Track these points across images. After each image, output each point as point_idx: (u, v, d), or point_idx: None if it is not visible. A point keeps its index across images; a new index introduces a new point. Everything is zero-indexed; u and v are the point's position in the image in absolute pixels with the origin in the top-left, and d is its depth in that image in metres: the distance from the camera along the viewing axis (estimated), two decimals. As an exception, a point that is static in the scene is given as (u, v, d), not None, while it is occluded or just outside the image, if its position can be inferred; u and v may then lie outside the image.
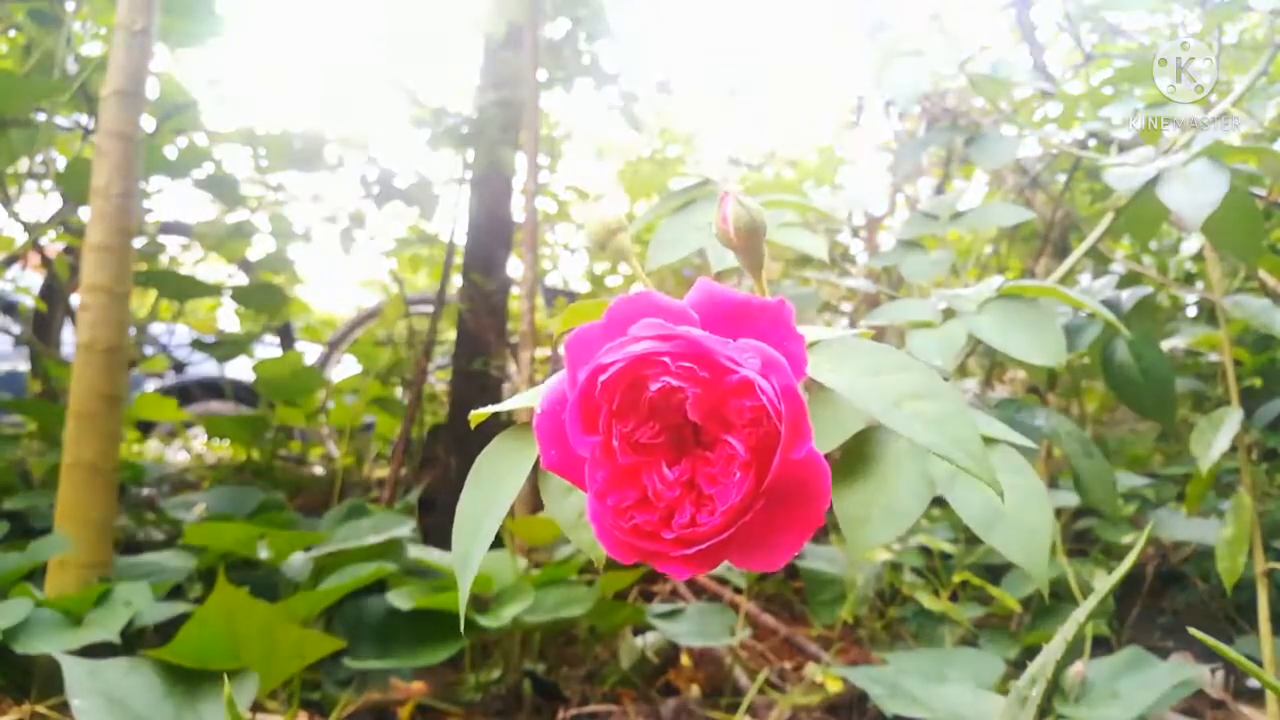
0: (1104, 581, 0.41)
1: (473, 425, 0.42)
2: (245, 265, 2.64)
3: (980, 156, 0.98)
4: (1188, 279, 1.94)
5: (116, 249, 1.44)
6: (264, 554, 1.48)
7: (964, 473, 0.42)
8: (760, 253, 0.44)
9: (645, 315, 0.39)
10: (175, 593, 1.47)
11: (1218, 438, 1.05)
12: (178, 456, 2.77)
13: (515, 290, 2.61)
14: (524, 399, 0.42)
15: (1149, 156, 0.77)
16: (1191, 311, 2.00)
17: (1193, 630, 0.43)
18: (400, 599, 1.35)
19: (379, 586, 1.45)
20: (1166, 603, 1.84)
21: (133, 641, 1.25)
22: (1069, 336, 0.81)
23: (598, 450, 0.38)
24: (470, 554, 0.40)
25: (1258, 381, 1.69)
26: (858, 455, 0.44)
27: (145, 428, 2.83)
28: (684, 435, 0.39)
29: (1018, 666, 1.42)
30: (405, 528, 1.55)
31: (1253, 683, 1.49)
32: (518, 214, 2.60)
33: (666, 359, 0.37)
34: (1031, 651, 1.42)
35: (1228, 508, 1.15)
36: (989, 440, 0.45)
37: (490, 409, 0.42)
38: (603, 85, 2.26)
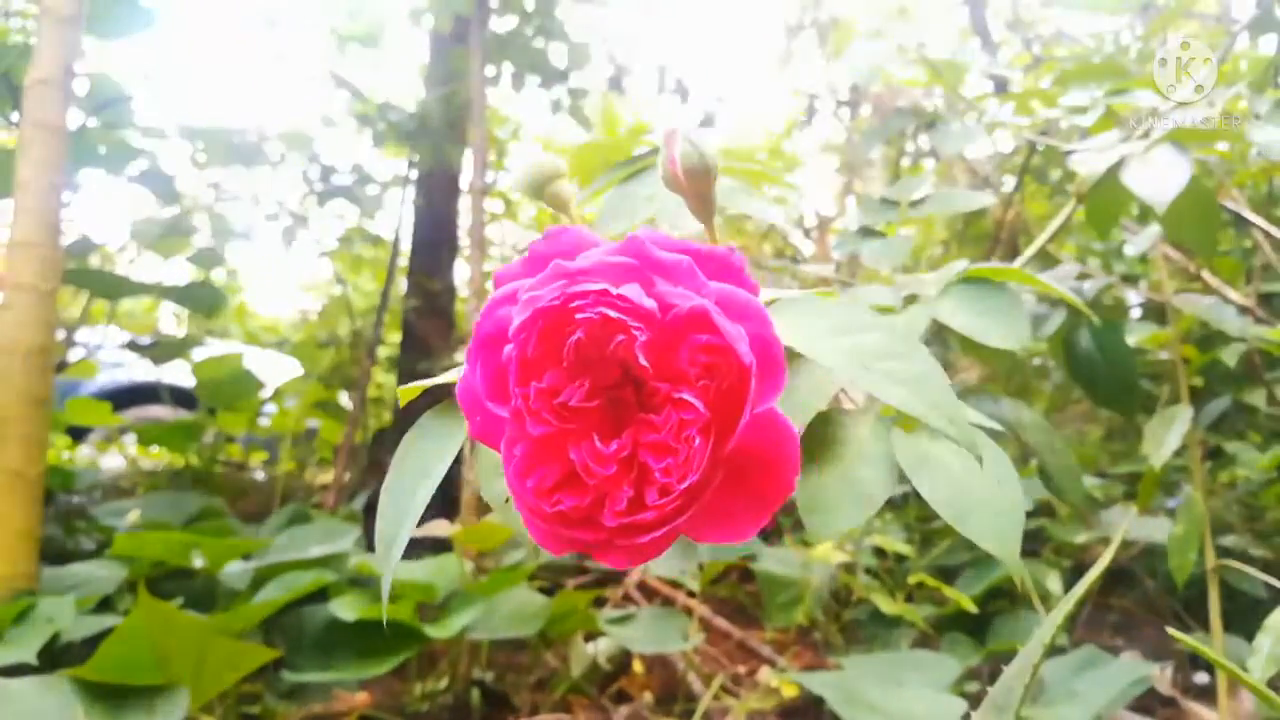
0: (1081, 582, 0.39)
1: (403, 402, 0.38)
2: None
3: (941, 141, 0.96)
4: (1131, 280, 1.96)
5: (43, 245, 1.39)
6: (199, 563, 1.42)
7: (932, 450, 0.40)
8: (711, 197, 0.40)
9: (573, 253, 0.33)
10: (105, 604, 1.41)
11: (1169, 435, 1.05)
12: (113, 463, 2.68)
13: (462, 292, 2.57)
14: (458, 373, 0.38)
15: (1112, 142, 0.76)
16: (1135, 313, 2.03)
17: (1173, 633, 0.41)
18: (343, 609, 1.30)
19: (320, 595, 1.40)
20: (1115, 600, 1.86)
21: (57, 659, 1.19)
22: (1031, 325, 0.80)
23: (511, 418, 0.32)
24: (395, 538, 0.35)
25: (1199, 381, 1.71)
26: (818, 438, 0.41)
27: (78, 434, 2.74)
28: (623, 398, 0.32)
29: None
30: (349, 539, 1.50)
31: (1201, 679, 1.50)
32: (464, 214, 2.56)
33: (602, 287, 0.30)
34: (992, 656, 1.41)
35: (1178, 505, 1.15)
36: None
37: (422, 383, 0.38)
38: (552, 82, 2.23)
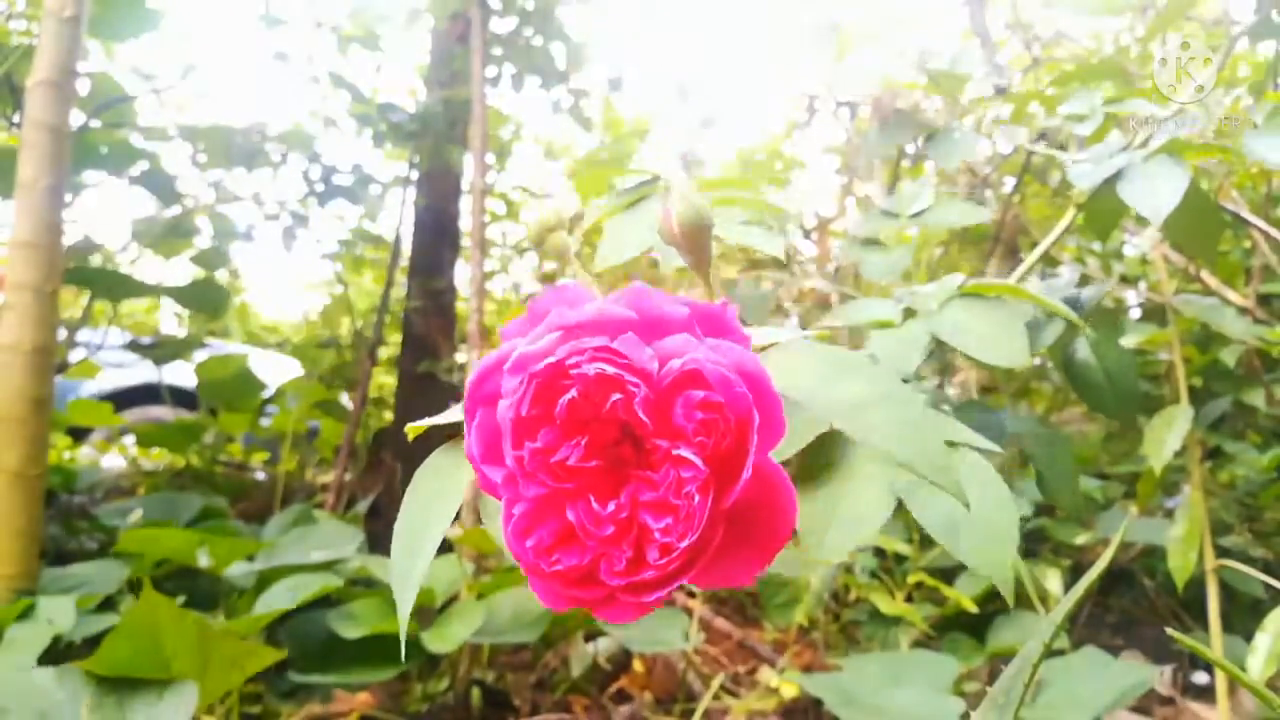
0: (1081, 583, 0.39)
1: (410, 438, 0.38)
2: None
3: (939, 154, 0.97)
4: (1131, 280, 1.96)
5: (44, 245, 1.39)
6: (205, 562, 1.42)
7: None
8: (707, 252, 0.41)
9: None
10: (107, 604, 1.41)
11: (1170, 436, 1.05)
12: (114, 462, 2.68)
13: (463, 292, 2.57)
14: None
15: (1109, 153, 0.76)
16: (1135, 315, 2.03)
17: (1172, 633, 0.41)
18: (346, 627, 1.30)
19: (325, 597, 1.41)
20: (1114, 601, 1.86)
21: (59, 658, 1.19)
22: (1029, 335, 0.80)
23: (504, 481, 0.32)
24: (409, 575, 0.36)
25: (1196, 381, 1.71)
26: (815, 462, 0.41)
27: (79, 433, 2.74)
28: (622, 456, 0.32)
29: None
30: (352, 544, 1.50)
31: (1200, 679, 1.51)
32: (465, 214, 2.56)
33: (599, 343, 0.30)
34: (992, 656, 1.42)
35: (1178, 506, 1.15)
36: (950, 445, 0.42)
37: (427, 422, 0.39)
38: (552, 83, 2.22)
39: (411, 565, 0.35)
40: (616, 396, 0.30)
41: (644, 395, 0.30)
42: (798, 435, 0.39)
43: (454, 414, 0.38)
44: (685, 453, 0.30)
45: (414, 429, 0.38)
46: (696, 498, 0.30)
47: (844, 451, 0.41)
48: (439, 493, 0.37)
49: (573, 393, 0.30)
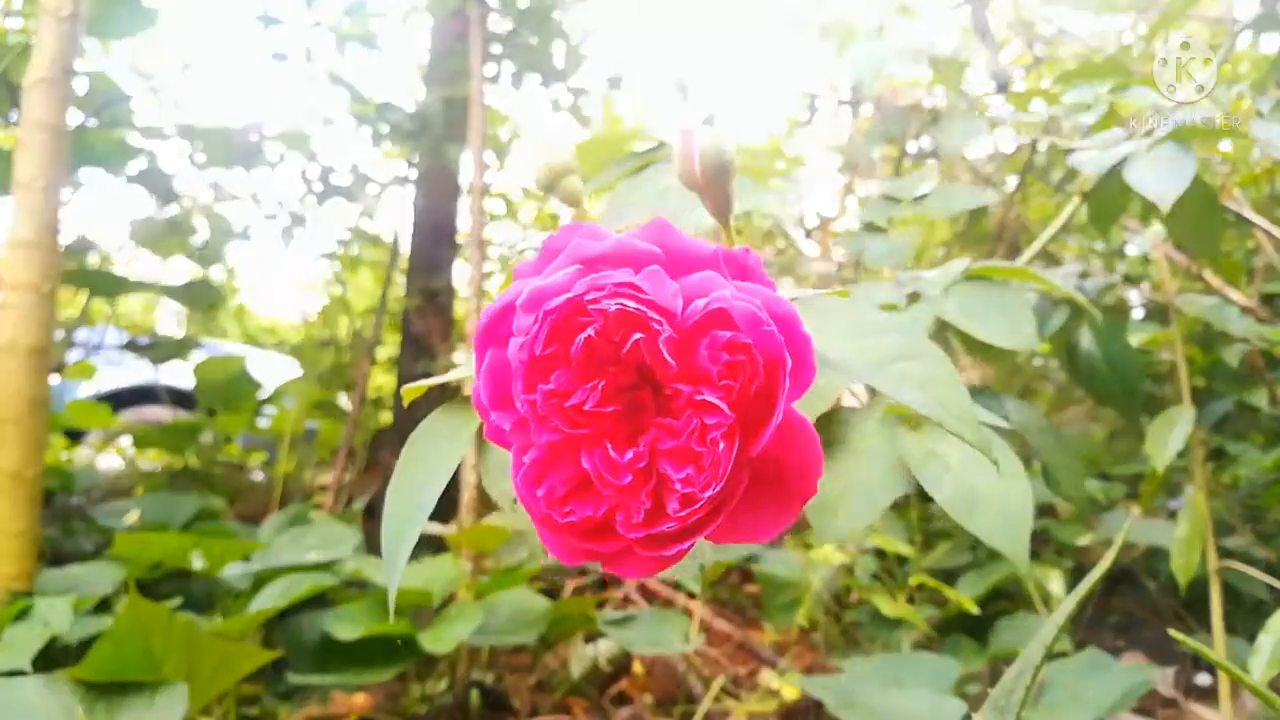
0: (1083, 584, 0.38)
1: (406, 402, 0.37)
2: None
3: (944, 140, 0.96)
4: (1133, 280, 1.95)
5: (42, 245, 1.38)
6: (199, 564, 1.42)
7: (938, 448, 0.40)
8: (729, 195, 0.39)
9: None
10: (104, 606, 1.40)
11: (1172, 436, 1.05)
12: (111, 462, 2.67)
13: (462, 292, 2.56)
14: (464, 371, 0.38)
15: (1115, 140, 0.75)
16: (1137, 314, 2.02)
17: (1175, 634, 0.40)
18: (341, 628, 1.29)
19: (319, 598, 1.40)
20: (1116, 602, 1.85)
21: (54, 661, 1.18)
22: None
23: (514, 427, 0.30)
24: (402, 539, 0.34)
25: (1199, 381, 1.70)
26: (824, 438, 0.40)
27: (76, 435, 2.73)
28: (640, 401, 0.30)
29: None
30: (349, 544, 1.49)
31: (1202, 680, 1.50)
32: (463, 214, 2.55)
33: (621, 279, 0.27)
34: (994, 658, 1.40)
35: (1180, 507, 1.14)
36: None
37: (427, 382, 0.37)
38: (551, 81, 2.22)
39: (406, 528, 0.34)
40: (638, 336, 0.28)
41: (667, 335, 0.28)
42: (807, 405, 0.38)
43: (457, 373, 0.37)
44: (709, 397, 0.28)
45: (411, 391, 0.36)
46: (721, 445, 0.28)
47: (853, 429, 0.40)
48: (438, 450, 0.35)
49: (590, 331, 0.28)
